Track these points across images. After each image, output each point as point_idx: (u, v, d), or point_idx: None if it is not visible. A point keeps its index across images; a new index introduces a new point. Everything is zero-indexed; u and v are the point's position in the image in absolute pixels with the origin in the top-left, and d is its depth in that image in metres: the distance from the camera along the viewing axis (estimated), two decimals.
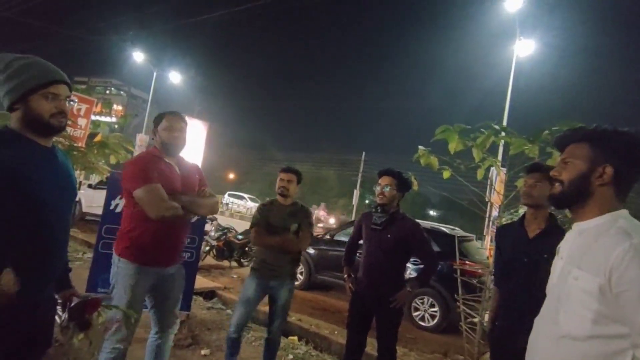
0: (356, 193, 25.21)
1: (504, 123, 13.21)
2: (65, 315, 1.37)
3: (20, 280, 1.13)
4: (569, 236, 1.19)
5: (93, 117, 7.59)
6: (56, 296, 1.41)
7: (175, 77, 24.53)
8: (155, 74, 24.07)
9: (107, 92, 63.23)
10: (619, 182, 1.09)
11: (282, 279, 2.73)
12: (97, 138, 6.82)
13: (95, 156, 6.87)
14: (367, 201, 29.60)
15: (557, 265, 1.18)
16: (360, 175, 28.08)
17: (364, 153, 29.12)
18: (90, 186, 10.73)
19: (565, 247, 1.17)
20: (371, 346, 2.76)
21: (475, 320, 3.75)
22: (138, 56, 22.96)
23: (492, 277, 2.55)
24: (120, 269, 2.01)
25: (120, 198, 3.22)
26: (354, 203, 25.25)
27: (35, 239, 1.23)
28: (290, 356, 3.41)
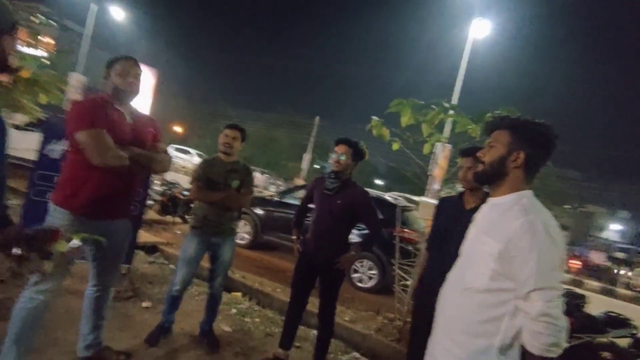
0: (306, 157, 25.28)
1: (454, 101, 13.82)
2: (21, 248, 1.28)
3: None
4: (483, 208, 1.39)
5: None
6: None
7: (117, 13, 22.14)
8: (93, 6, 21.51)
9: (33, 19, 55.80)
10: (529, 166, 1.29)
11: (224, 235, 2.75)
12: (24, 73, 6.09)
13: (22, 94, 6.19)
14: (316, 166, 29.87)
15: (471, 232, 1.40)
16: (312, 139, 28.07)
17: (317, 117, 29.02)
18: (17, 127, 9.68)
19: (479, 217, 1.39)
20: (311, 304, 2.92)
21: (408, 282, 4.10)
22: None
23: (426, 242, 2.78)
24: (57, 220, 1.89)
25: (57, 143, 2.99)
26: (303, 167, 25.38)
27: None
28: (234, 310, 3.51)
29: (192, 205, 7.46)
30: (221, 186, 2.69)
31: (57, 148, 3.03)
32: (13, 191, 6.51)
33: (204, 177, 2.71)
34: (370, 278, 5.81)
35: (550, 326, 1.12)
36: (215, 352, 2.70)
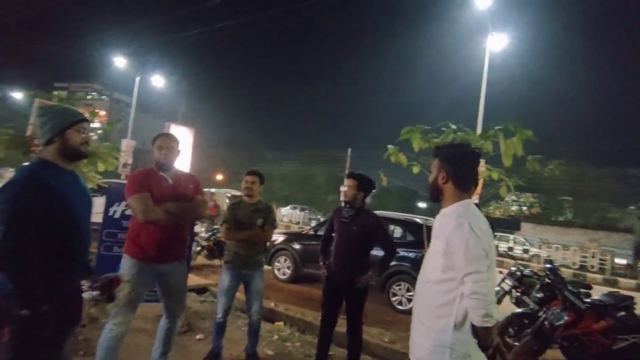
0: (343, 189, 25.67)
1: (480, 114, 13.80)
2: (96, 292, 1.78)
3: (62, 271, 1.54)
4: (437, 217, 1.74)
5: None
6: (83, 281, 1.82)
7: (158, 80, 24.57)
8: (138, 78, 24.10)
9: (89, 97, 62.48)
10: (455, 179, 1.65)
11: (253, 267, 3.17)
12: None
13: (86, 165, 7.16)
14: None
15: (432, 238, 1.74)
16: (346, 171, 28.57)
17: (349, 149, 29.68)
18: None
19: (435, 224, 1.75)
20: (340, 325, 3.21)
21: None
22: (120, 61, 22.98)
23: None
24: (123, 263, 2.43)
25: (118, 205, 3.62)
26: (342, 199, 25.72)
27: (73, 241, 1.67)
28: (276, 337, 3.86)
29: None
30: (247, 225, 3.14)
31: (118, 209, 3.66)
32: None
33: (232, 218, 3.17)
34: (409, 300, 5.92)
35: (480, 301, 1.43)
36: None
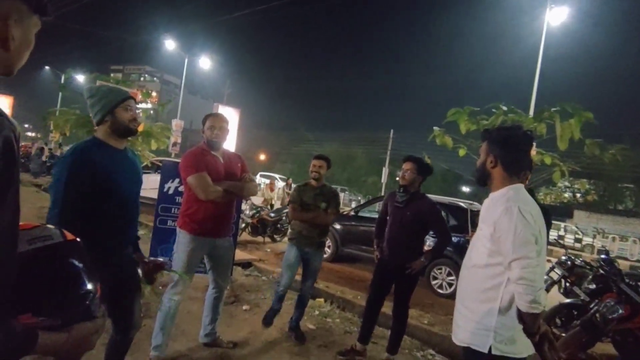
0: (384, 171, 25.37)
1: (534, 95, 12.95)
2: (140, 273, 1.94)
3: (106, 242, 1.67)
4: (485, 202, 1.71)
5: None
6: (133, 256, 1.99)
7: (205, 62, 25.29)
8: (186, 60, 24.94)
9: (142, 78, 65.51)
10: (504, 164, 1.60)
11: (314, 247, 3.30)
12: (140, 127, 7.56)
13: (141, 144, 7.62)
14: (397, 178, 29.65)
15: (479, 222, 1.72)
16: (388, 152, 28.13)
17: (392, 130, 29.07)
18: None
19: (482, 209, 1.71)
20: (386, 307, 3.26)
21: None
22: (170, 44, 23.85)
23: None
24: (180, 239, 2.61)
25: (172, 182, 3.86)
26: (382, 181, 25.48)
27: (116, 215, 1.78)
28: (317, 312, 4.01)
29: (279, 225, 8.29)
30: (312, 207, 3.25)
31: (173, 186, 3.90)
32: (140, 224, 8.00)
33: (298, 199, 3.30)
34: (449, 284, 5.86)
35: (527, 287, 1.41)
36: (301, 344, 3.20)
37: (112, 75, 10.42)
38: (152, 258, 2.08)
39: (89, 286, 0.85)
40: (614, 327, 3.66)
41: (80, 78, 11.63)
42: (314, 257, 3.31)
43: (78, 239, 0.91)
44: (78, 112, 6.49)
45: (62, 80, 13.76)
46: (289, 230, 3.48)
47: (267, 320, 3.32)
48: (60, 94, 19.35)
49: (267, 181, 15.00)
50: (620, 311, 3.65)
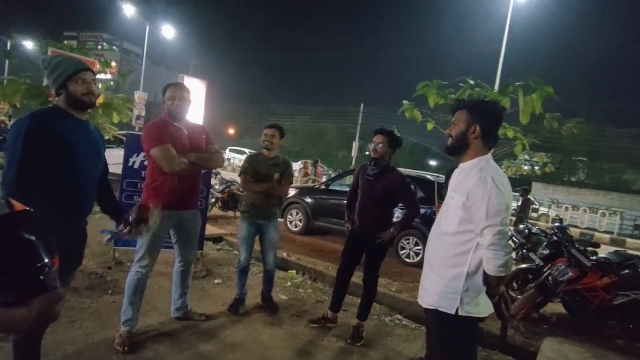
0: (355, 145, 25.56)
1: (499, 70, 13.28)
2: (132, 217, 1.96)
3: (55, 212, 1.58)
4: (455, 172, 1.76)
5: None
6: (120, 226, 1.96)
7: (168, 31, 23.94)
8: (147, 28, 23.49)
9: (99, 47, 61.38)
10: (485, 136, 1.66)
11: (268, 218, 3.27)
12: (100, 99, 7.13)
13: (101, 117, 7.23)
14: (367, 152, 30.02)
15: (448, 191, 1.78)
16: (358, 127, 28.25)
17: (362, 105, 29.08)
18: None
19: (452, 179, 1.77)
20: (356, 276, 3.36)
21: None
22: (129, 9, 22.30)
23: None
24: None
25: (137, 156, 3.72)
26: (352, 155, 25.70)
27: (71, 186, 1.72)
28: (289, 283, 4.08)
29: None
30: (265, 178, 3.21)
31: (137, 160, 3.76)
32: None
33: (251, 170, 3.25)
34: (416, 254, 6.11)
35: (497, 252, 1.51)
36: (274, 314, 3.27)
37: (65, 42, 9.63)
38: (131, 210, 2.03)
39: (44, 259, 0.80)
40: (564, 289, 3.98)
41: (29, 45, 10.72)
42: (269, 229, 3.27)
43: (28, 209, 0.82)
44: (29, 82, 6.02)
45: (8, 47, 12.65)
46: (242, 202, 3.40)
47: (234, 309, 3.22)
48: (7, 61, 17.83)
49: (238, 156, 14.76)
50: (570, 274, 3.97)
